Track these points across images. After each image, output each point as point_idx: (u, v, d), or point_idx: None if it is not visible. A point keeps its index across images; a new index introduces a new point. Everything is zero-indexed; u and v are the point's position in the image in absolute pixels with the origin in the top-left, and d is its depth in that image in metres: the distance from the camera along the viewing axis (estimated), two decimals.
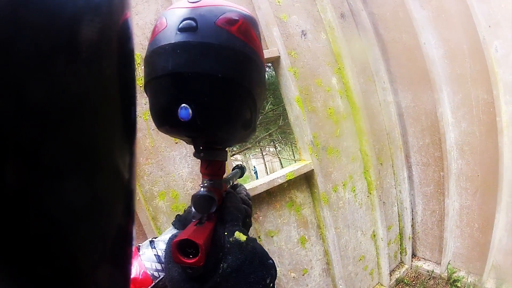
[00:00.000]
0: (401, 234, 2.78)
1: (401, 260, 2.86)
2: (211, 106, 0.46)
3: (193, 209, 0.50)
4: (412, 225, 2.79)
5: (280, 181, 2.07)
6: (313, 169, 2.17)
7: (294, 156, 11.29)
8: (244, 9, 0.50)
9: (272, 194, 2.15)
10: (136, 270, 0.58)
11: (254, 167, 14.22)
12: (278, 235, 2.17)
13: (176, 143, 1.96)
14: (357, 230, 2.46)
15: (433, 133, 2.44)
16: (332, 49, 2.41)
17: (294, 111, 2.19)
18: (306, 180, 2.27)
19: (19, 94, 0.18)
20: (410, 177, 2.70)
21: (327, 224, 2.24)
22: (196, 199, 0.50)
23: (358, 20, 2.52)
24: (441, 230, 2.55)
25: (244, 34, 0.48)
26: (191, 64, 0.44)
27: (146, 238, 1.83)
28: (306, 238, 2.27)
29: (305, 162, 2.20)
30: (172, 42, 0.44)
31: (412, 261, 2.83)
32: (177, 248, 0.43)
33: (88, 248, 0.24)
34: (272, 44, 2.13)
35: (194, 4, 0.47)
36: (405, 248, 2.77)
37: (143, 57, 1.75)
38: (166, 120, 0.48)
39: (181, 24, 0.45)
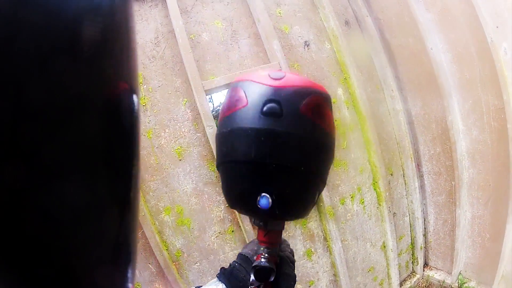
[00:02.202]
0: (413, 244, 2.91)
1: (412, 269, 2.99)
2: (291, 197, 0.53)
3: (253, 277, 0.57)
4: (424, 235, 2.91)
5: None
6: None
7: None
8: (321, 87, 0.54)
9: None
10: None
11: None
12: None
13: (180, 160, 2.19)
14: (366, 242, 2.63)
15: (444, 142, 2.55)
16: (337, 58, 2.55)
17: None
18: None
19: (19, 94, 0.19)
20: (422, 187, 2.82)
21: (333, 237, 2.41)
22: (257, 270, 0.57)
23: (363, 26, 2.65)
24: (453, 240, 2.66)
25: (323, 118, 0.52)
26: (275, 154, 0.48)
27: (153, 252, 2.11)
28: (313, 250, 2.46)
29: None
30: (256, 127, 0.47)
31: (424, 270, 2.96)
32: None
33: (87, 249, 0.26)
34: (273, 57, 2.31)
35: (277, 82, 0.49)
36: (417, 257, 2.91)
37: (145, 75, 1.99)
38: (243, 205, 0.56)
39: (265, 107, 0.47)
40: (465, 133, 2.43)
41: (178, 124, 2.21)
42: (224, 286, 0.63)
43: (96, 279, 0.27)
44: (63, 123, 0.22)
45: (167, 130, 2.19)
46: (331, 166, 0.60)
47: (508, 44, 2.11)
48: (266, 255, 0.60)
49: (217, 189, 2.25)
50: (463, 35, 2.28)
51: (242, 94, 0.50)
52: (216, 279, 0.68)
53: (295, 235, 2.40)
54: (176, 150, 2.19)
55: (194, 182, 2.22)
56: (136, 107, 0.29)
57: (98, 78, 0.24)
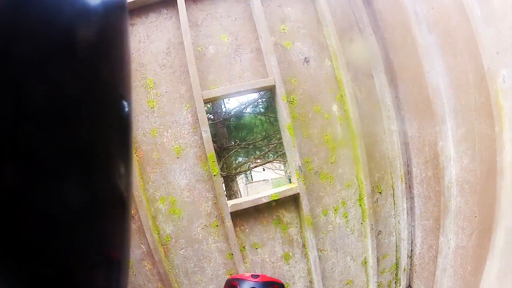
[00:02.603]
0: (397, 264, 2.94)
1: None
2: None
3: None
4: (410, 257, 2.92)
5: (265, 200, 2.52)
6: (299, 193, 2.55)
7: None
8: (279, 280, 1.09)
9: (260, 211, 2.61)
10: None
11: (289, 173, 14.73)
12: (262, 248, 2.62)
13: (178, 157, 2.56)
14: (346, 255, 2.76)
15: (435, 166, 2.54)
16: (336, 75, 2.70)
17: (286, 137, 2.59)
18: (294, 201, 2.66)
19: (17, 95, 0.21)
20: (412, 209, 2.84)
21: (309, 245, 2.60)
22: None
23: (367, 45, 2.74)
24: (435, 267, 2.64)
25: None
26: None
27: (144, 234, 2.52)
28: (291, 255, 2.67)
29: (292, 185, 2.61)
30: None
31: None
32: None
33: (85, 248, 0.27)
34: (270, 73, 2.55)
35: (255, 278, 0.98)
36: (400, 278, 2.92)
37: (155, 81, 2.41)
38: None
39: None
40: (456, 161, 2.42)
41: (180, 126, 2.58)
42: None
43: (92, 277, 0.29)
44: (60, 123, 0.23)
45: (169, 131, 2.58)
46: None
47: (508, 71, 2.01)
48: None
49: (207, 186, 2.58)
50: (461, 60, 2.25)
51: (237, 283, 0.98)
52: None
53: (275, 237, 2.64)
54: (175, 149, 2.57)
55: (188, 178, 2.58)
56: (128, 111, 0.30)
57: (92, 83, 0.26)
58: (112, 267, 0.32)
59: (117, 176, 0.31)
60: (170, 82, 2.59)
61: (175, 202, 2.57)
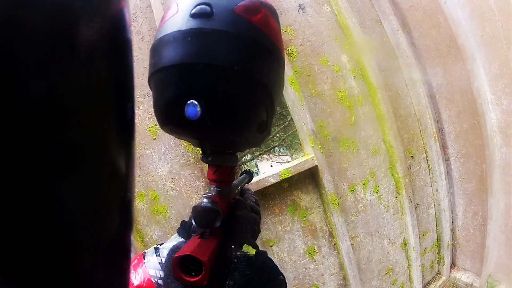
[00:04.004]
0: (438, 241, 2.66)
1: (438, 271, 2.72)
2: (223, 103, 0.48)
3: (194, 223, 0.52)
4: (451, 230, 2.66)
5: (273, 180, 2.07)
6: (316, 165, 2.14)
7: None
8: None
9: (269, 197, 2.15)
10: (140, 277, 0.63)
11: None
12: (279, 244, 2.15)
13: (154, 139, 2.14)
14: (382, 239, 2.38)
15: (471, 116, 2.29)
16: (339, 22, 2.38)
17: (290, 95, 2.18)
18: (312, 179, 2.24)
19: (17, 94, 0.21)
20: (448, 172, 2.55)
21: (339, 233, 2.19)
22: (197, 212, 0.51)
23: None
24: (483, 236, 2.40)
25: (265, 25, 0.51)
26: (203, 54, 0.47)
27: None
28: (316, 248, 2.23)
29: (306, 157, 2.17)
30: (183, 29, 0.48)
31: (450, 272, 2.70)
32: (178, 264, 0.46)
33: (85, 250, 0.27)
34: None
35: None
36: (443, 257, 2.65)
37: None
38: (170, 118, 0.51)
39: (194, 9, 0.48)
40: (495, 103, 2.17)
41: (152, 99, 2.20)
42: (184, 241, 0.63)
43: (93, 278, 0.29)
44: (61, 123, 0.24)
45: (141, 107, 2.13)
46: (282, 84, 0.59)
47: None
48: (211, 194, 0.56)
49: (195, 172, 2.12)
50: None
51: (174, 5, 0.52)
52: (176, 234, 0.69)
53: (293, 229, 2.18)
54: (150, 129, 2.12)
55: (169, 164, 2.11)
56: (130, 110, 0.30)
57: (95, 78, 0.26)
58: (113, 268, 0.32)
59: (119, 176, 0.31)
60: (139, 50, 2.17)
61: (158, 197, 2.09)
